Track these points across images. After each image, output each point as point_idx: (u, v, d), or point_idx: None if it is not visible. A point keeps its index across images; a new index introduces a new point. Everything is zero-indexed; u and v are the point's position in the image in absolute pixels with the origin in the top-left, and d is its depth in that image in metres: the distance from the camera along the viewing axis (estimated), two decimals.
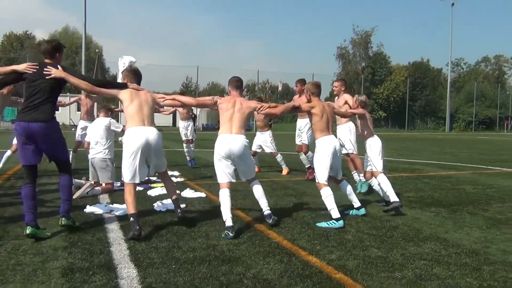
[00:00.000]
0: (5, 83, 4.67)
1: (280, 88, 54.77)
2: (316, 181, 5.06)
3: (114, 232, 4.49)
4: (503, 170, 10.83)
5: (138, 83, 4.81)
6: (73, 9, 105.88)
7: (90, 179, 6.67)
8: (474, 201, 6.46)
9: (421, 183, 8.20)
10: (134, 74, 4.87)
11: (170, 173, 8.62)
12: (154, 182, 7.60)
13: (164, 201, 5.78)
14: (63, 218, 4.36)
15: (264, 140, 9.13)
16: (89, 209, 5.38)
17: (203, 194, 6.56)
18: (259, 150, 9.29)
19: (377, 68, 55.54)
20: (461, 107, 56.55)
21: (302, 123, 8.41)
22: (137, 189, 6.20)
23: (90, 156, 6.61)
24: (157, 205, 5.63)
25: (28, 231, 4.05)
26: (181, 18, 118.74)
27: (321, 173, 4.99)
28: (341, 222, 4.75)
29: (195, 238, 4.29)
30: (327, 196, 4.89)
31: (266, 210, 4.82)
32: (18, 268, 3.40)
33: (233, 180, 4.76)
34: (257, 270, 3.44)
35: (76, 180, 6.36)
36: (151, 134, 4.54)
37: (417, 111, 56.30)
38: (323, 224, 4.78)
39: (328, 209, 4.86)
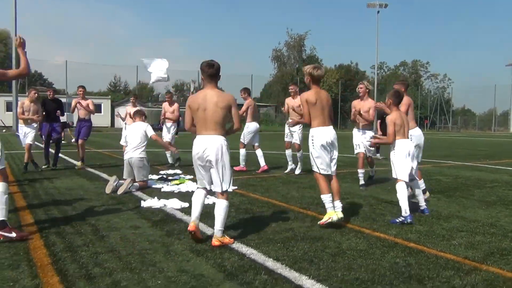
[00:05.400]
0: None
1: (192, 90, 54.93)
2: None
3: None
4: (454, 163, 12.50)
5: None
6: None
7: (124, 177, 7.02)
8: (457, 189, 7.71)
9: None
10: None
11: (172, 171, 9.22)
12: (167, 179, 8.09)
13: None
14: None
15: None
16: (145, 204, 5.84)
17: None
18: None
19: None
20: None
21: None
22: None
23: (127, 156, 7.04)
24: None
25: None
26: (102, 14, 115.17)
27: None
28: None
29: (269, 224, 4.95)
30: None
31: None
32: (150, 252, 3.88)
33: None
34: (347, 244, 4.21)
35: (120, 181, 6.80)
36: None
37: (348, 111, 59.61)
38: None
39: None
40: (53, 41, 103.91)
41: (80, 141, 10.00)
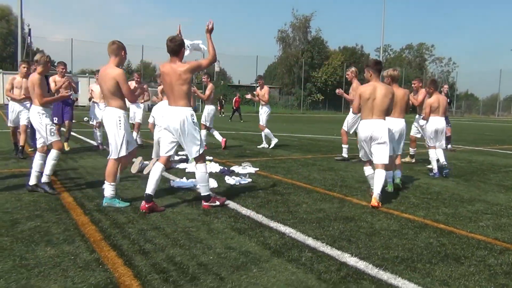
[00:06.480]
0: None
1: (217, 69, 54.90)
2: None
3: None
4: (465, 148, 12.64)
5: None
6: None
7: (153, 156, 7.20)
8: (473, 173, 7.88)
9: (418, 159, 9.55)
10: None
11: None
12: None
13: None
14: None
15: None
16: (175, 183, 6.01)
17: (252, 170, 7.32)
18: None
19: (315, 52, 57.71)
20: None
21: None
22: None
23: (156, 137, 7.14)
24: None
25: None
26: None
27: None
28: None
29: (299, 205, 5.13)
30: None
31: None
32: (193, 229, 4.06)
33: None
34: (379, 225, 4.38)
35: (145, 162, 6.95)
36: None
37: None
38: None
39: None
40: (54, 17, 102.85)
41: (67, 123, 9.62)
